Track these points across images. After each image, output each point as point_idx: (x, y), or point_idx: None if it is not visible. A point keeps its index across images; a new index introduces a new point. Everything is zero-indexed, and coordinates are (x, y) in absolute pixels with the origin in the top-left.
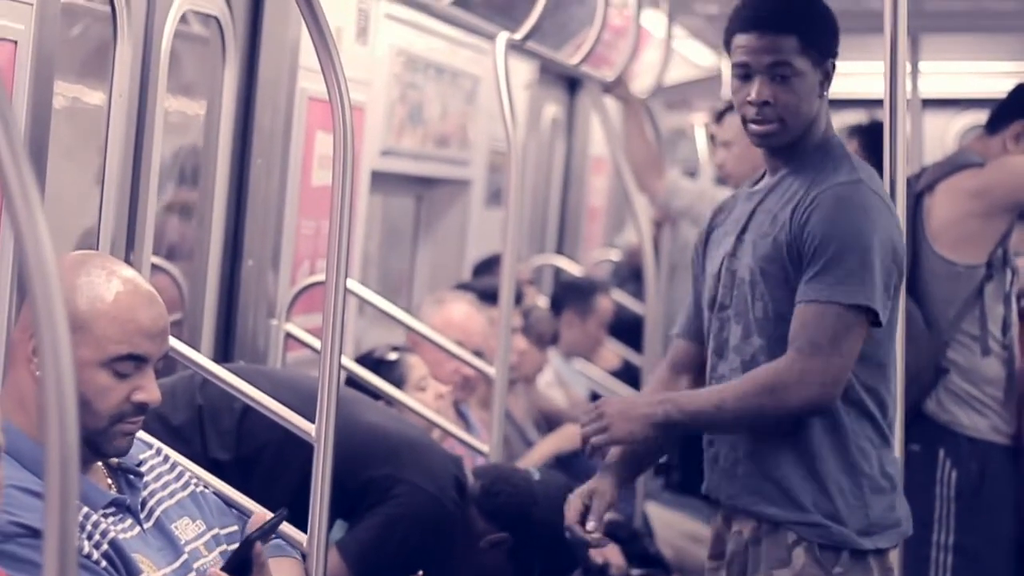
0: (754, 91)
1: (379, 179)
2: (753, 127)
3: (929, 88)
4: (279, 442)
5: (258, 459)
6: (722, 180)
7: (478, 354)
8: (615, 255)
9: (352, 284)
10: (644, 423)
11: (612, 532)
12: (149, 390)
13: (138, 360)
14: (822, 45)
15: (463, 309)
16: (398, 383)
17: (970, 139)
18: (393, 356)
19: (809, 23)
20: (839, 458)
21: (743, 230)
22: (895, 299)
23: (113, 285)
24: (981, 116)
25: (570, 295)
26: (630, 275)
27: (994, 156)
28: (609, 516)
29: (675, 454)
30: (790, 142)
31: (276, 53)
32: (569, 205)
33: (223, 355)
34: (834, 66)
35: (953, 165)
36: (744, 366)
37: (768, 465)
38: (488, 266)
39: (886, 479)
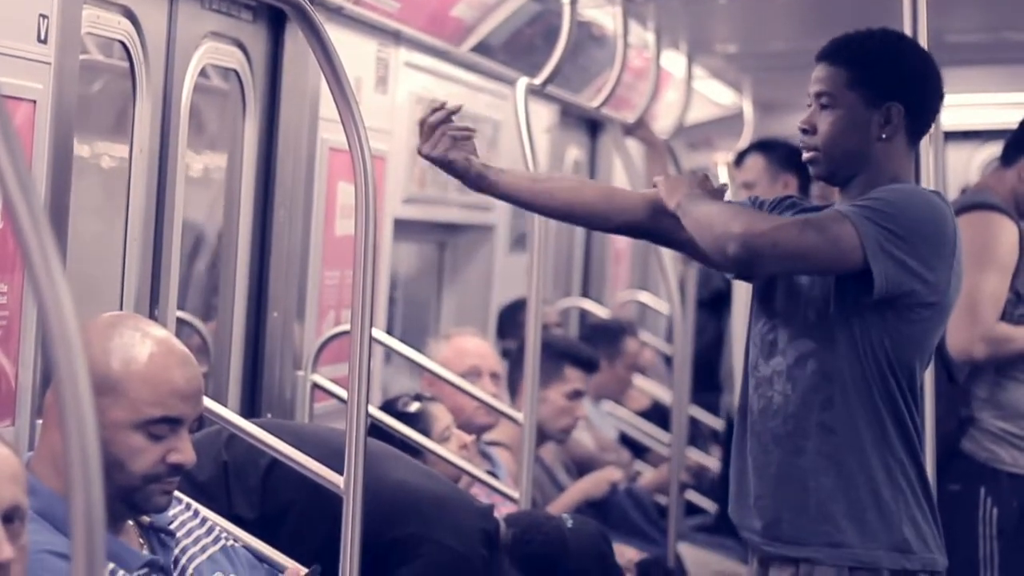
0: (803, 117)
1: (402, 227)
2: (803, 154)
3: (951, 120)
4: (305, 501)
5: (283, 518)
6: None
7: (497, 376)
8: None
9: (377, 333)
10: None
11: (646, 571)
12: (184, 451)
13: (173, 422)
14: (880, 86)
15: (471, 338)
16: (422, 434)
17: (989, 171)
18: (415, 407)
19: (866, 60)
20: (872, 479)
21: None
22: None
23: (147, 346)
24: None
25: (598, 338)
26: None
27: (1010, 188)
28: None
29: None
30: (844, 177)
31: (296, 104)
32: (594, 247)
33: (250, 408)
34: (909, 113)
35: (957, 207)
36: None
37: (800, 501)
38: (514, 310)
39: (919, 501)
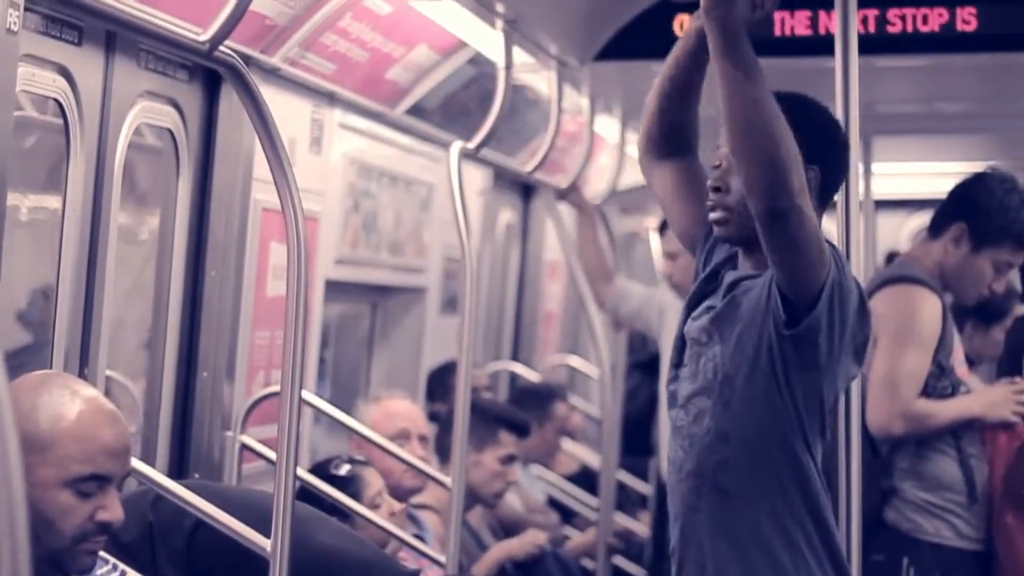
0: (712, 175)
1: (334, 288)
2: (709, 215)
3: (882, 189)
4: (230, 564)
5: None
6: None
7: (425, 439)
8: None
9: (307, 394)
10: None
11: None
12: (112, 509)
13: (101, 480)
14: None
15: (401, 401)
16: (352, 498)
17: (916, 243)
18: (346, 468)
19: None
20: (767, 545)
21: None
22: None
23: (75, 405)
24: None
25: (527, 401)
26: None
27: (936, 260)
28: None
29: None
30: (752, 239)
31: (230, 164)
32: (524, 310)
33: (178, 468)
34: (822, 177)
35: (881, 279)
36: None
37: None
38: (444, 373)
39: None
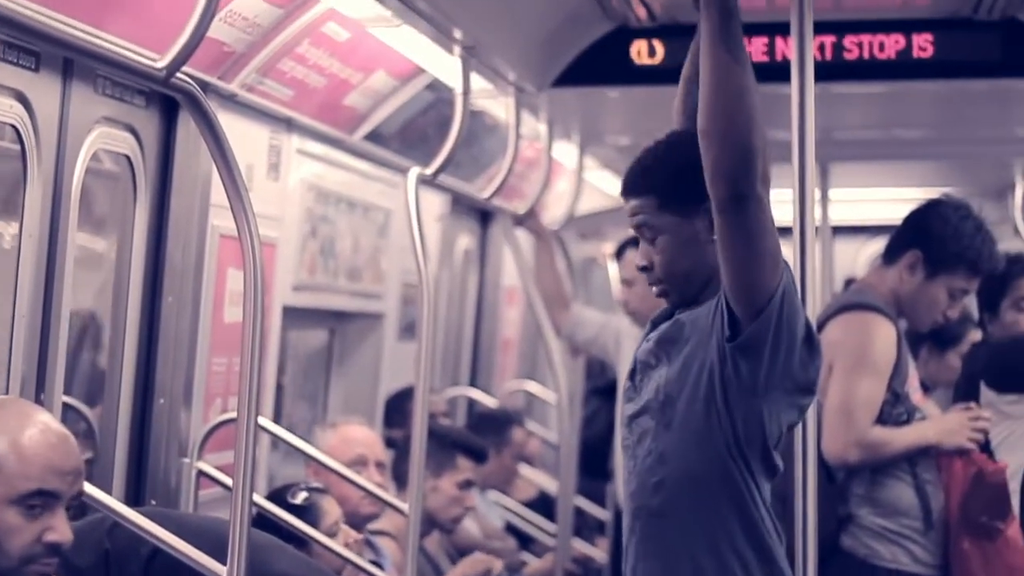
0: (637, 256)
1: (292, 314)
2: (653, 289)
3: (839, 215)
4: None
5: None
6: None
7: (382, 465)
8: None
9: (264, 421)
10: None
11: None
12: (60, 531)
13: (48, 496)
14: (686, 193)
15: (358, 427)
16: (310, 526)
17: (871, 270)
18: (302, 496)
19: (661, 177)
20: (700, 570)
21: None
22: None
23: (25, 426)
24: None
25: (485, 427)
26: None
27: (890, 287)
28: None
29: None
30: (697, 293)
31: (187, 190)
32: (482, 336)
33: (135, 495)
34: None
35: (836, 306)
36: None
37: None
38: (401, 399)
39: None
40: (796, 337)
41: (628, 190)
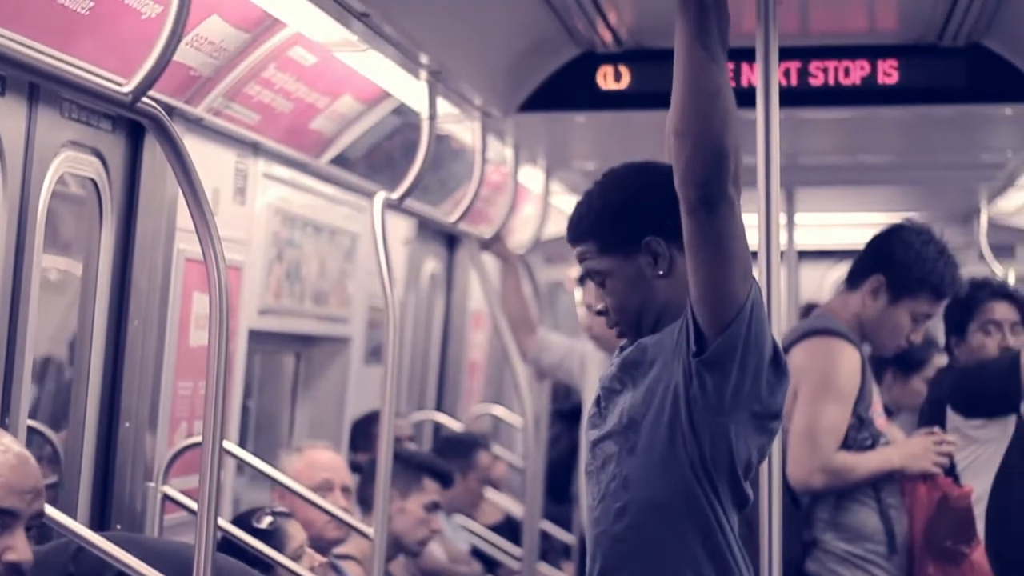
0: (592, 300)
1: (257, 337)
2: (614, 331)
3: (805, 240)
4: None
5: None
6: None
7: (348, 490)
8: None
9: (229, 445)
10: None
11: None
12: (20, 550)
13: (6, 515)
14: (625, 233)
15: (324, 451)
16: (275, 550)
17: (834, 295)
18: (268, 521)
19: (599, 221)
20: None
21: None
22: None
23: None
24: None
25: (450, 451)
26: None
27: (854, 312)
28: None
29: None
30: (652, 326)
31: (153, 214)
32: (449, 360)
33: (100, 519)
34: (666, 234)
35: (800, 332)
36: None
37: None
38: (367, 423)
39: None
40: (764, 354)
41: (570, 238)
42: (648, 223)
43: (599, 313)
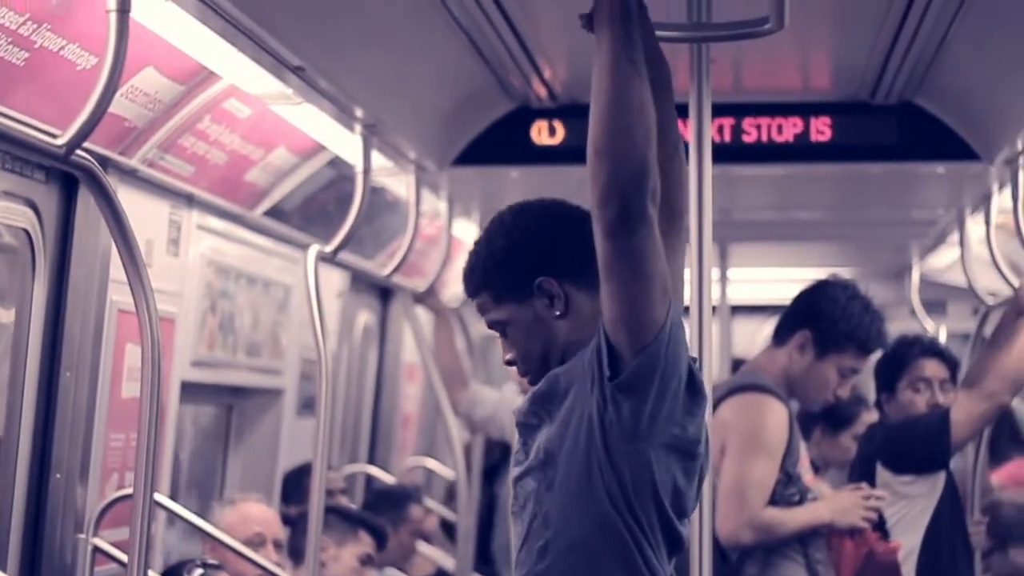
0: (502, 352)
1: (190, 389)
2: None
3: (738, 295)
4: None
5: None
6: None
7: (280, 543)
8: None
9: (160, 497)
10: None
11: None
12: None
13: None
14: (514, 279)
15: (255, 504)
16: None
17: (761, 351)
18: (198, 573)
19: (491, 271)
20: None
21: None
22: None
23: None
24: None
25: (383, 504)
26: None
27: (781, 368)
28: None
29: None
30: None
31: (86, 265)
32: (382, 413)
33: (29, 571)
34: (558, 273)
35: (728, 388)
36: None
37: None
38: (299, 476)
39: None
40: (683, 375)
41: (466, 292)
42: (536, 264)
43: (508, 363)
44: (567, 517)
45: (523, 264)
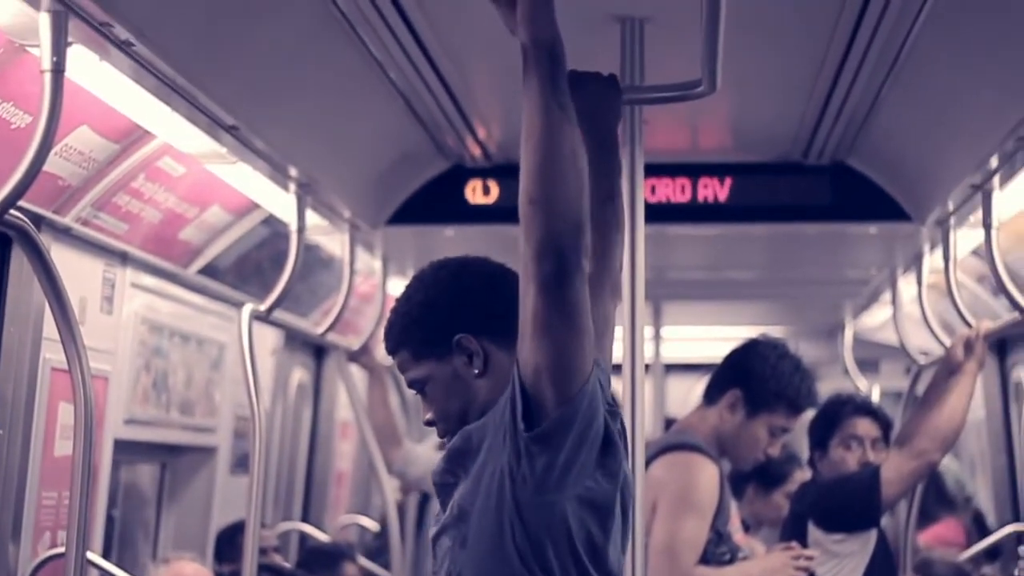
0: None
1: (123, 447)
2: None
3: (672, 353)
4: None
5: None
6: None
7: None
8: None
9: (93, 556)
10: None
11: None
12: None
13: None
14: (435, 336)
15: (189, 563)
16: None
17: (692, 410)
18: None
19: (409, 329)
20: None
21: None
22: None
23: None
24: None
25: (316, 562)
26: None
27: (712, 427)
28: None
29: None
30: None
31: (20, 323)
32: (316, 470)
33: None
34: (477, 330)
35: (659, 447)
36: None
37: None
38: (233, 533)
39: None
40: (599, 431)
41: (386, 350)
42: (455, 321)
43: (427, 424)
44: (480, 575)
45: (441, 321)
